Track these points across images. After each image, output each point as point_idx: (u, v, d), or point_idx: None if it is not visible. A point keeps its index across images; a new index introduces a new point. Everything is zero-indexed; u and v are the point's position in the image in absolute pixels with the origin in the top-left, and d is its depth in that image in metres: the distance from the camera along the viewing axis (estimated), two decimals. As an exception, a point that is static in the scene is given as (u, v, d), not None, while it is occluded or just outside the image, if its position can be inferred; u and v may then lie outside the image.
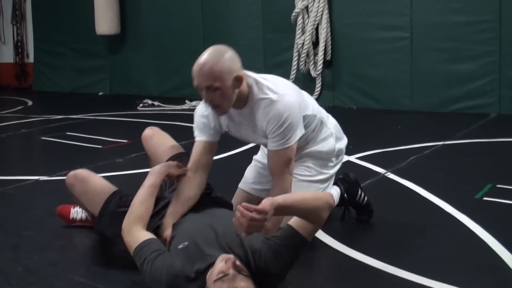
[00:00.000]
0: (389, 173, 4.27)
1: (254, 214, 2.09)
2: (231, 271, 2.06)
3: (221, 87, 2.54)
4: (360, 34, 7.68)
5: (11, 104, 9.35)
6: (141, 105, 8.60)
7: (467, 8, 6.92)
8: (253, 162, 3.30)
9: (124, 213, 2.58)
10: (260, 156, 3.27)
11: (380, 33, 7.52)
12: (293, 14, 7.80)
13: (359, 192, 3.27)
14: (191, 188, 2.75)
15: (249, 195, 3.16)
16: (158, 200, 2.70)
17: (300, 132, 2.76)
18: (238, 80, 2.60)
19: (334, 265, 2.79)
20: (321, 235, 3.07)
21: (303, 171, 3.00)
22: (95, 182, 2.89)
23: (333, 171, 3.15)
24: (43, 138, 6.35)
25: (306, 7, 7.82)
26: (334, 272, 2.74)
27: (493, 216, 3.30)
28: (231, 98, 2.62)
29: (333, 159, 3.11)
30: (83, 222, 3.25)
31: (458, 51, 7.02)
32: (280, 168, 2.73)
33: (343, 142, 3.21)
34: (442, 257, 2.79)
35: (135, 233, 2.42)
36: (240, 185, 3.24)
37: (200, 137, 2.85)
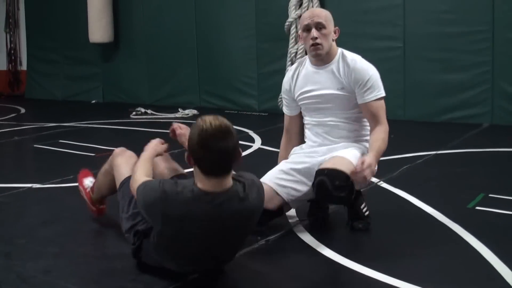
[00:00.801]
0: (381, 182, 4.28)
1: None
2: None
3: (327, 27, 3.24)
4: (353, 43, 7.58)
5: (4, 112, 9.32)
6: (134, 113, 8.58)
7: (460, 19, 6.96)
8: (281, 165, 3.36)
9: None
10: (283, 163, 3.34)
11: (373, 43, 7.52)
12: (287, 23, 7.81)
13: (364, 203, 3.31)
14: (288, 148, 3.48)
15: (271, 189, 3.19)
16: None
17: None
18: (336, 32, 3.33)
19: (328, 275, 2.79)
20: (315, 244, 3.07)
21: (354, 149, 3.29)
22: (133, 163, 3.13)
23: None
24: (36, 145, 6.34)
25: (299, 17, 7.85)
26: (328, 282, 2.74)
27: (485, 226, 3.31)
28: (329, 42, 3.26)
29: None
30: (84, 190, 3.55)
31: (451, 61, 7.05)
32: (378, 115, 3.33)
33: None
34: (434, 266, 2.80)
35: (142, 180, 2.64)
36: (262, 179, 3.20)
37: (285, 111, 3.53)
